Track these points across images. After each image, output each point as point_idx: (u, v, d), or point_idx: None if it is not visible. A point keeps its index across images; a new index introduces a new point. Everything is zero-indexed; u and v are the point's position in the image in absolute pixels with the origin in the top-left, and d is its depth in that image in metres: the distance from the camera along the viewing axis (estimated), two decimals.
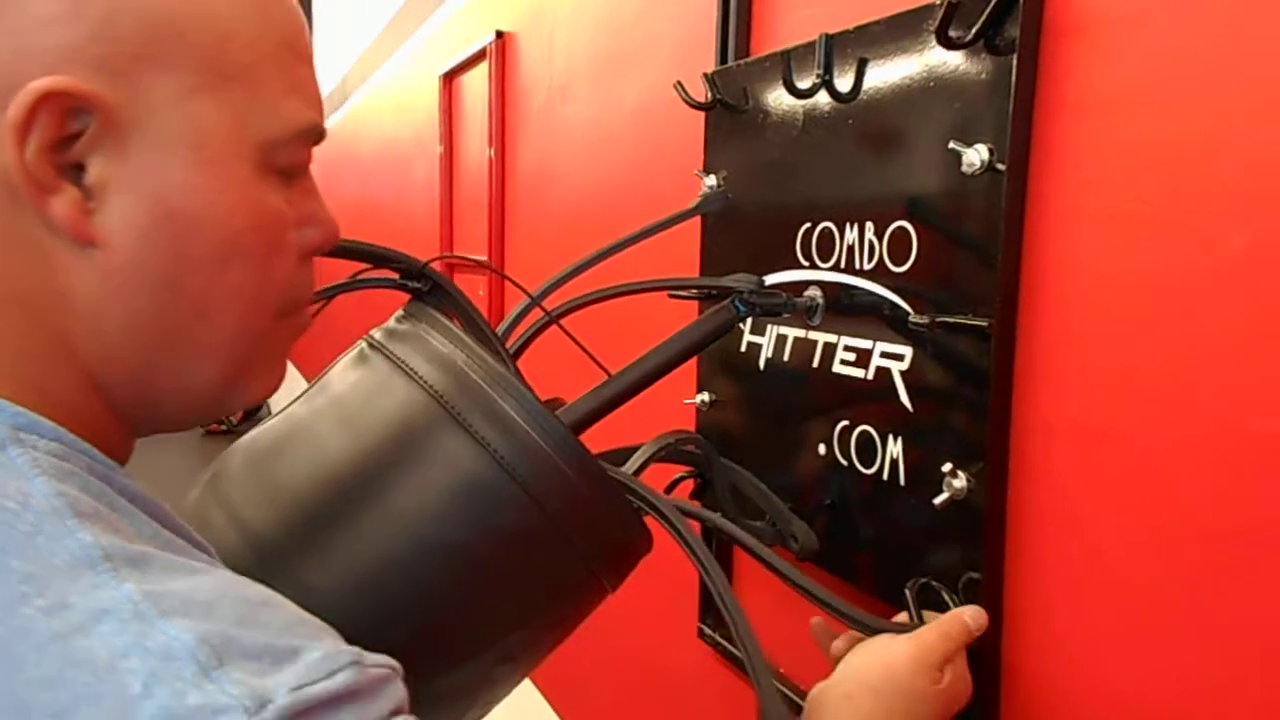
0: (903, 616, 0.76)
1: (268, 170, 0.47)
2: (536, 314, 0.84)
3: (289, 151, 0.48)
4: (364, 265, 0.71)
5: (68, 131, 0.41)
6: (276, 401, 0.72)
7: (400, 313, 0.73)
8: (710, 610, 1.16)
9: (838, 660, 0.75)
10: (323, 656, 0.38)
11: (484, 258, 2.02)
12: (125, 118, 0.42)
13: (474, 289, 2.15)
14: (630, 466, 0.76)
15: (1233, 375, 0.59)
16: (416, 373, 0.66)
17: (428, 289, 0.72)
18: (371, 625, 0.58)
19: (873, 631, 0.72)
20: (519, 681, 0.74)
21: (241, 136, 0.45)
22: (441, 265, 2.40)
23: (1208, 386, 0.61)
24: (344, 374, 0.70)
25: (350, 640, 0.46)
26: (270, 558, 0.60)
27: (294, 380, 5.15)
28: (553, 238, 1.73)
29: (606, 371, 0.79)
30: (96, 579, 0.36)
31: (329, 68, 4.75)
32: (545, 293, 0.83)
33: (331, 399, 0.68)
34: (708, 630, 1.15)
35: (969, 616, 0.72)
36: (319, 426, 0.66)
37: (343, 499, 0.62)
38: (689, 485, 1.11)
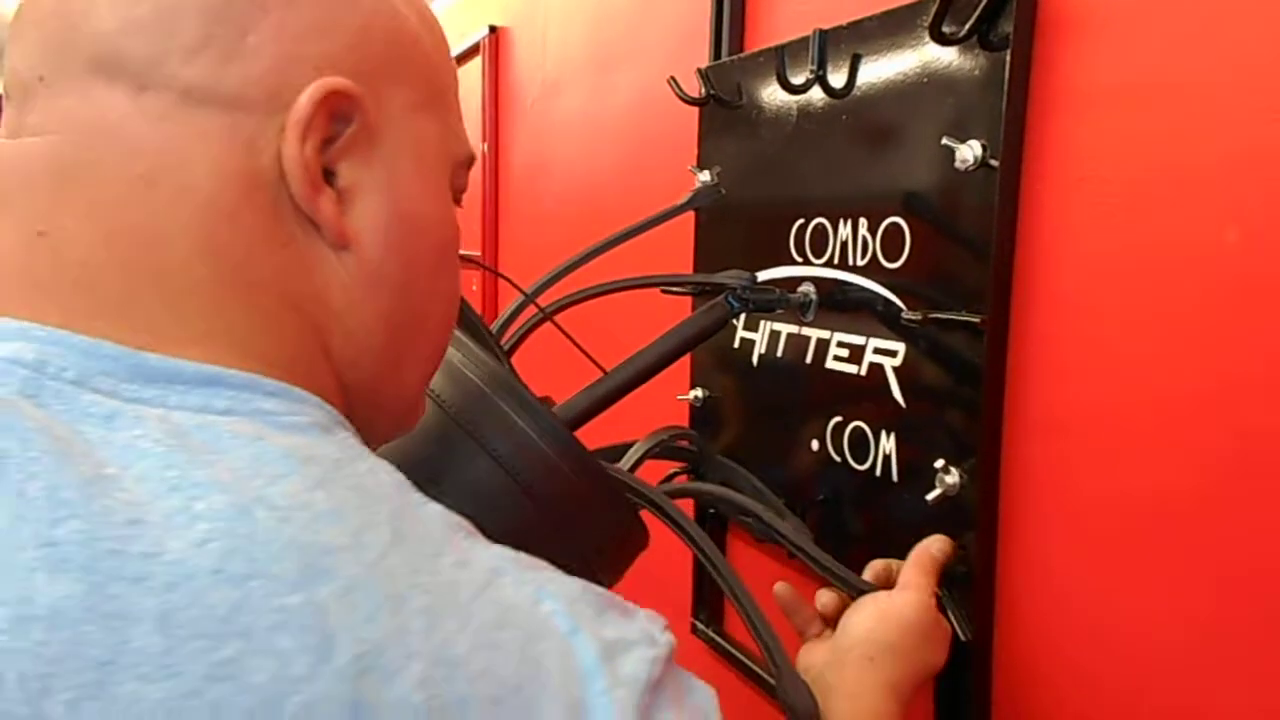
0: (875, 567, 0.77)
1: (452, 188, 0.50)
2: (530, 310, 0.84)
3: (464, 173, 0.51)
4: None
5: (331, 133, 0.42)
6: None
7: None
8: (703, 605, 1.16)
9: (823, 619, 0.77)
10: (648, 615, 0.43)
11: (477, 253, 2.01)
12: (374, 124, 0.44)
13: (466, 283, 2.15)
14: (626, 463, 0.75)
15: (1226, 370, 0.59)
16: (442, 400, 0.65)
17: None
18: None
19: (860, 594, 0.73)
20: None
21: (445, 152, 0.48)
22: None
23: (1200, 382, 0.61)
24: None
25: None
26: None
27: None
28: (546, 232, 1.72)
29: (601, 369, 0.79)
30: (465, 542, 0.40)
31: None
32: (538, 290, 0.83)
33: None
34: (700, 625, 1.15)
35: (935, 549, 0.74)
36: None
37: None
38: (681, 480, 1.11)
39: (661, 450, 0.88)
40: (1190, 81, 0.61)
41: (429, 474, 0.62)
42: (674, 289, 1.00)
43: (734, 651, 1.09)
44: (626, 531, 0.69)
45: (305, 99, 0.40)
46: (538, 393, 0.72)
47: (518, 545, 0.63)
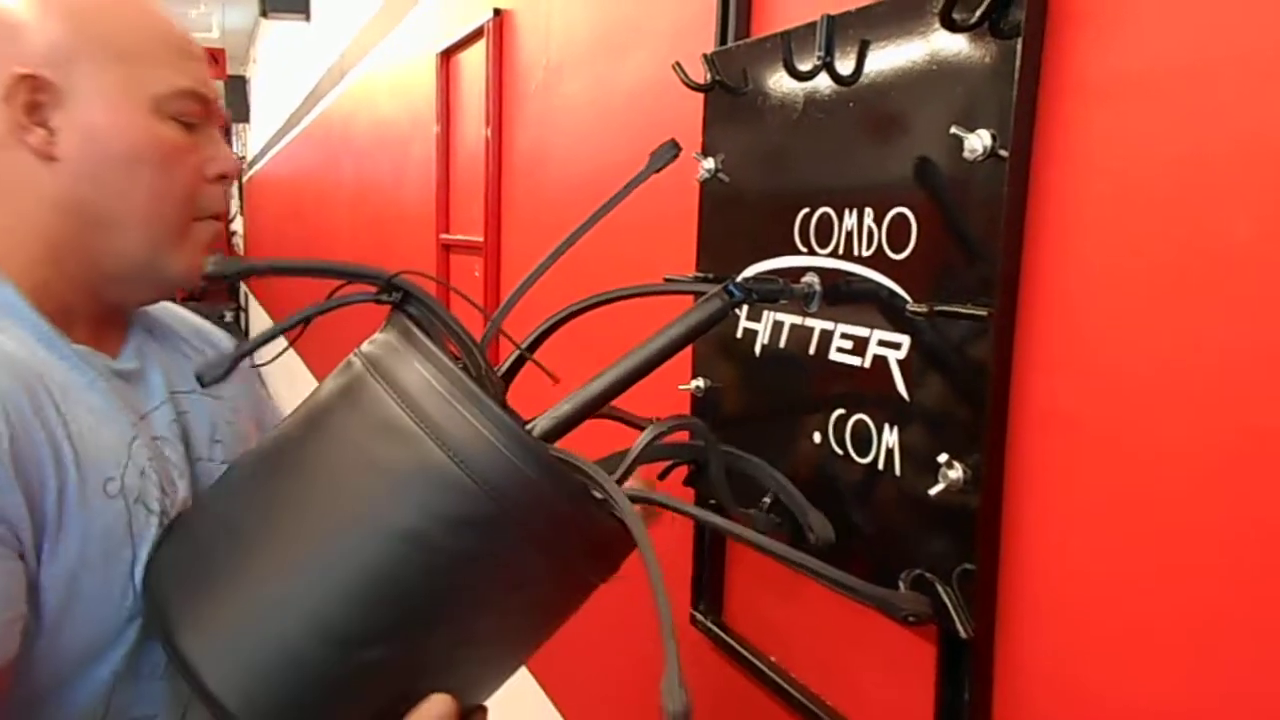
0: None
1: (163, 115, 0.77)
2: (535, 308, 0.83)
3: (174, 104, 0.78)
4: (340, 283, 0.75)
5: (37, 98, 0.74)
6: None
7: (384, 324, 0.75)
8: (702, 595, 1.15)
9: None
10: None
11: (479, 238, 2.00)
12: (62, 89, 0.75)
13: (469, 270, 2.14)
14: (625, 462, 0.74)
15: (1237, 368, 0.58)
16: (381, 377, 0.69)
17: (402, 299, 0.73)
18: (329, 607, 0.65)
19: (874, 600, 0.71)
20: (505, 666, 0.75)
21: (134, 94, 0.76)
22: (438, 248, 2.38)
23: (1211, 379, 0.59)
24: (325, 383, 0.76)
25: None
26: (240, 541, 0.70)
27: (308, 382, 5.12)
28: (549, 218, 1.71)
29: (553, 377, 0.80)
30: None
31: (325, 45, 4.71)
32: (508, 306, 0.82)
33: (309, 406, 0.75)
34: (699, 616, 1.14)
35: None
36: (291, 429, 0.75)
37: (301, 488, 0.70)
38: (683, 470, 1.10)
39: (659, 451, 0.88)
40: (1204, 72, 0.60)
41: (383, 463, 0.67)
42: (673, 292, 0.98)
43: (733, 643, 1.08)
44: (580, 513, 0.69)
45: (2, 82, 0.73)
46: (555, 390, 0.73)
47: (467, 530, 0.65)
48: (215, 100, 0.82)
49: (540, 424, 0.75)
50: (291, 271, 0.76)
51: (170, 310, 0.94)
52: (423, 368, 0.68)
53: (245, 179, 10.68)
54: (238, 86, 10.50)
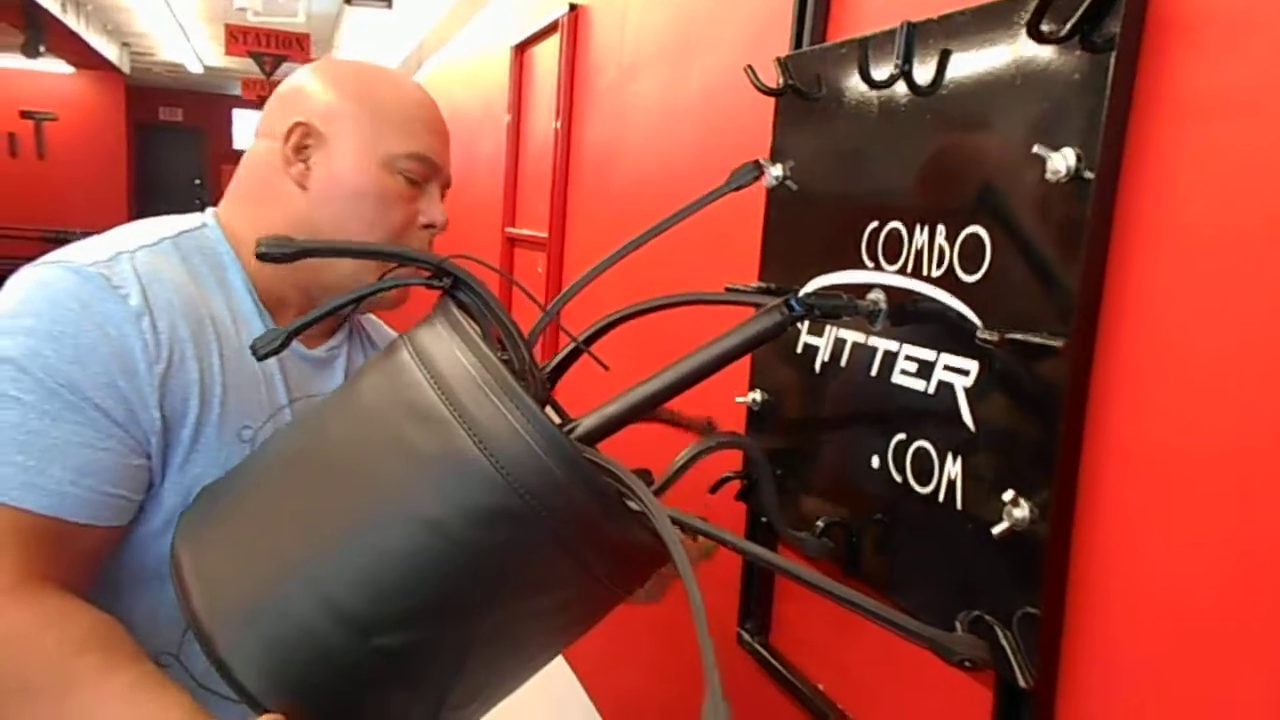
0: None
1: (393, 170, 0.93)
2: (592, 306, 0.81)
3: (402, 162, 0.94)
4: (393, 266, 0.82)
5: (305, 141, 0.93)
6: None
7: (434, 308, 0.74)
8: (750, 614, 1.12)
9: None
10: None
11: (544, 234, 1.98)
12: (324, 136, 0.93)
13: (532, 265, 2.13)
14: (667, 474, 0.72)
15: None
16: (420, 360, 0.68)
17: (452, 285, 0.73)
18: (341, 587, 0.64)
19: (927, 642, 0.67)
20: (523, 668, 0.74)
21: (372, 149, 0.93)
22: (503, 241, 2.38)
23: None
24: (370, 361, 0.76)
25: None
26: (259, 508, 0.72)
27: None
28: (614, 216, 1.69)
29: (603, 367, 0.78)
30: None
31: (405, 34, 4.76)
32: (562, 301, 0.81)
33: (349, 381, 0.77)
34: (746, 636, 1.11)
35: None
36: (329, 402, 0.77)
37: (326, 461, 0.70)
38: (735, 486, 1.07)
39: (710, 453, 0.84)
40: None
41: (412, 445, 0.65)
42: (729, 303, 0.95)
43: (779, 667, 1.05)
44: (608, 514, 0.66)
45: (283, 126, 0.93)
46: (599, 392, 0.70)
47: (493, 525, 0.64)
48: (442, 166, 0.97)
49: (584, 423, 0.73)
50: (346, 253, 0.86)
51: (375, 322, 1.14)
52: (462, 355, 0.66)
53: None
54: None
